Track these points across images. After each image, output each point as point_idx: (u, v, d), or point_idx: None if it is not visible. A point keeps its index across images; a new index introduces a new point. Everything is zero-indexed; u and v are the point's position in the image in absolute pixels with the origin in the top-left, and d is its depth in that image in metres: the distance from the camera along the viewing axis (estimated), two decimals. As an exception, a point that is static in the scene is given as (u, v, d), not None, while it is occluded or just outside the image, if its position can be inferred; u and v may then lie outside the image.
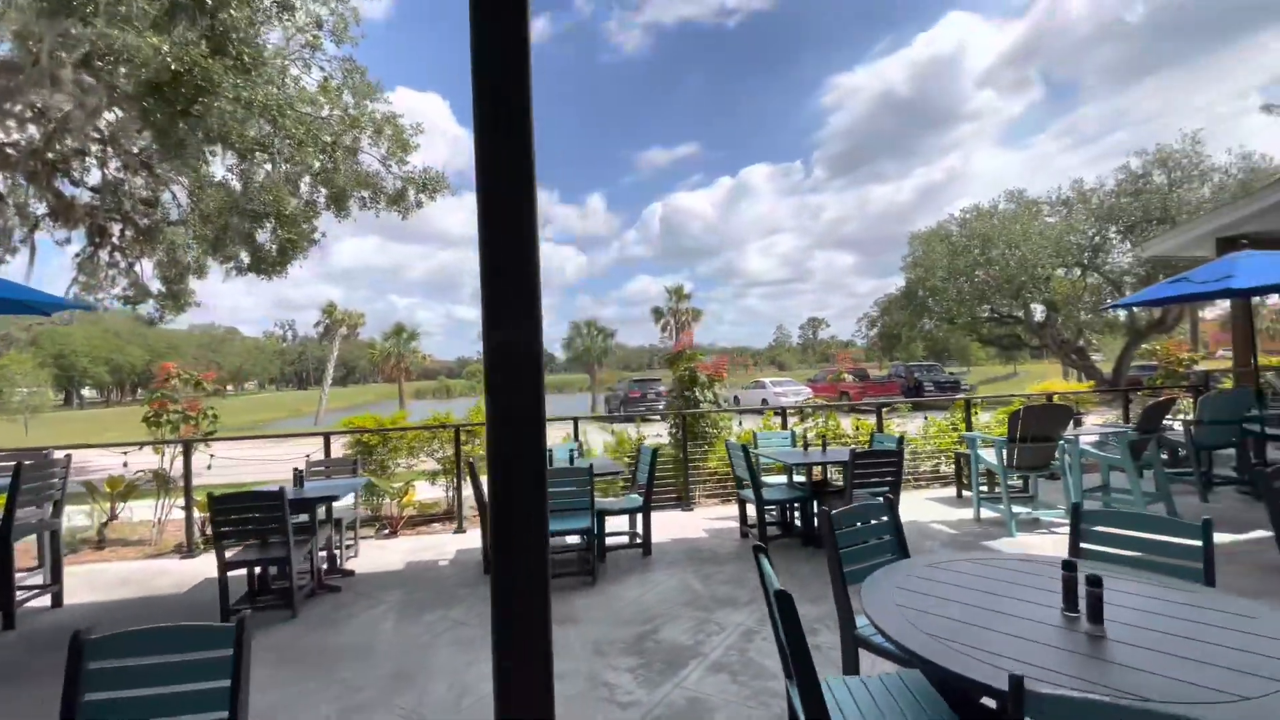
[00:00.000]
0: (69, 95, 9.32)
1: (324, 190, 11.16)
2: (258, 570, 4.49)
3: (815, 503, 5.18)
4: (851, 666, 2.45)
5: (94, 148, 11.66)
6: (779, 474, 6.57)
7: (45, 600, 4.62)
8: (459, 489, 6.42)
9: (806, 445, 5.66)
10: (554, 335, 47.85)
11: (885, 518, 2.76)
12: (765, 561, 2.05)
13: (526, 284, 1.53)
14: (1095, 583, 1.73)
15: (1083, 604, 1.77)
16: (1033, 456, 5.43)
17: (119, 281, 13.96)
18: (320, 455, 6.13)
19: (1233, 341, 7.77)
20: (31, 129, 10.03)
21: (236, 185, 10.92)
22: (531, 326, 1.55)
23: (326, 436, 6.24)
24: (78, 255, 13.13)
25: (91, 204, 12.42)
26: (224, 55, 8.00)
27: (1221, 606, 1.85)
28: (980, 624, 1.81)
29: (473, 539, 5.94)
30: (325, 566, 4.92)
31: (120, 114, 10.47)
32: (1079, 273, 20.43)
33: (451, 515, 6.51)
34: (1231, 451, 6.46)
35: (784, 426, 7.29)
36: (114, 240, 13.44)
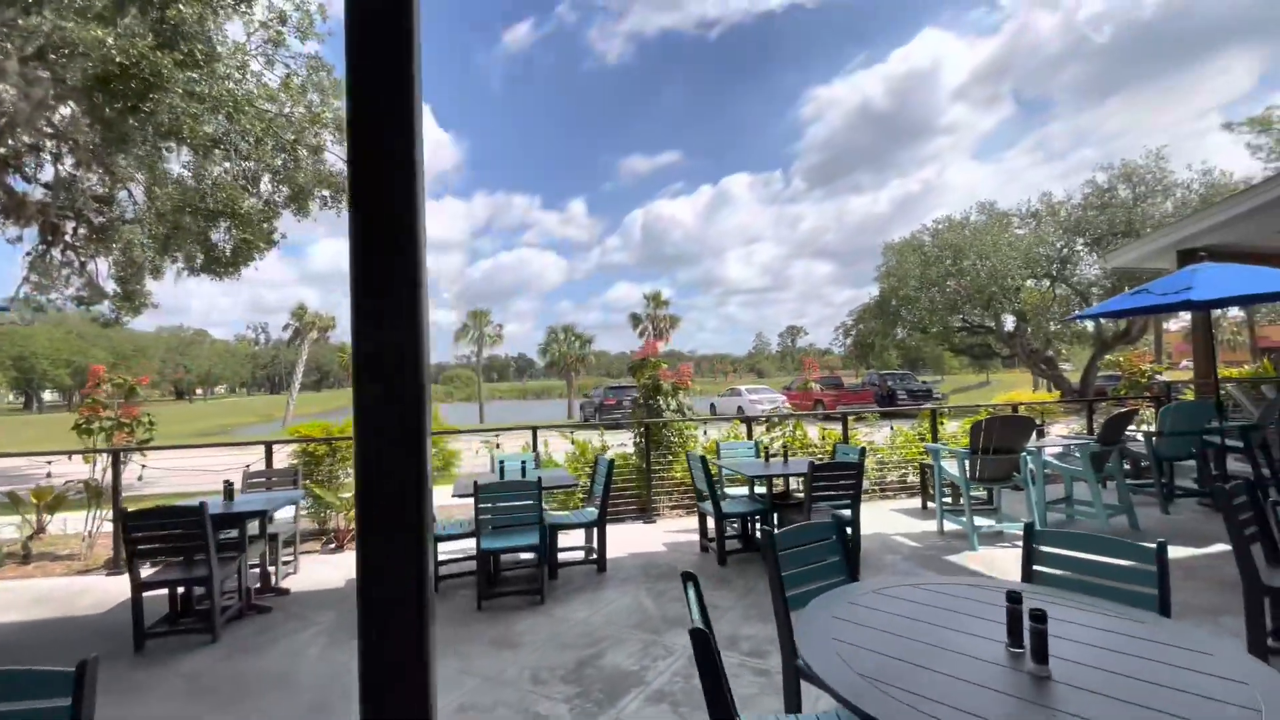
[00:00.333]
0: (13, 87, 8.90)
1: (285, 189, 10.82)
2: (181, 590, 4.20)
3: (775, 516, 5.03)
4: (793, 703, 2.28)
5: (48, 143, 11.19)
6: (744, 485, 6.42)
7: (-53, 623, 4.27)
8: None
9: (769, 456, 5.51)
10: (534, 341, 47.47)
11: (833, 537, 2.61)
12: (691, 591, 1.88)
13: (406, 272, 1.33)
14: (1040, 618, 1.58)
15: (1028, 639, 1.63)
16: (995, 468, 5.35)
17: (73, 281, 13.43)
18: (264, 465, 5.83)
19: (1193, 353, 7.83)
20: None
21: (192, 183, 10.54)
22: (413, 326, 1.35)
23: (268, 446, 5.93)
24: (29, 254, 12.59)
25: (44, 201, 11.91)
26: (173, 49, 7.67)
27: (1176, 641, 1.72)
28: (919, 662, 1.65)
29: (423, 553, 5.66)
30: (258, 585, 4.64)
31: (71, 109, 10.05)
32: (1048, 284, 20.74)
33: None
34: (1193, 463, 6.46)
35: (749, 436, 7.14)
36: (67, 239, 12.91)
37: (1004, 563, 4.76)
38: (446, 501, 5.82)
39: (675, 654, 3.40)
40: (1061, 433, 8.78)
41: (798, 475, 5.00)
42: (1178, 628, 1.82)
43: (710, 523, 5.12)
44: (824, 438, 7.73)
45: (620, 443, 7.38)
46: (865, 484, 7.24)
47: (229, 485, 4.42)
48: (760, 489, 5.42)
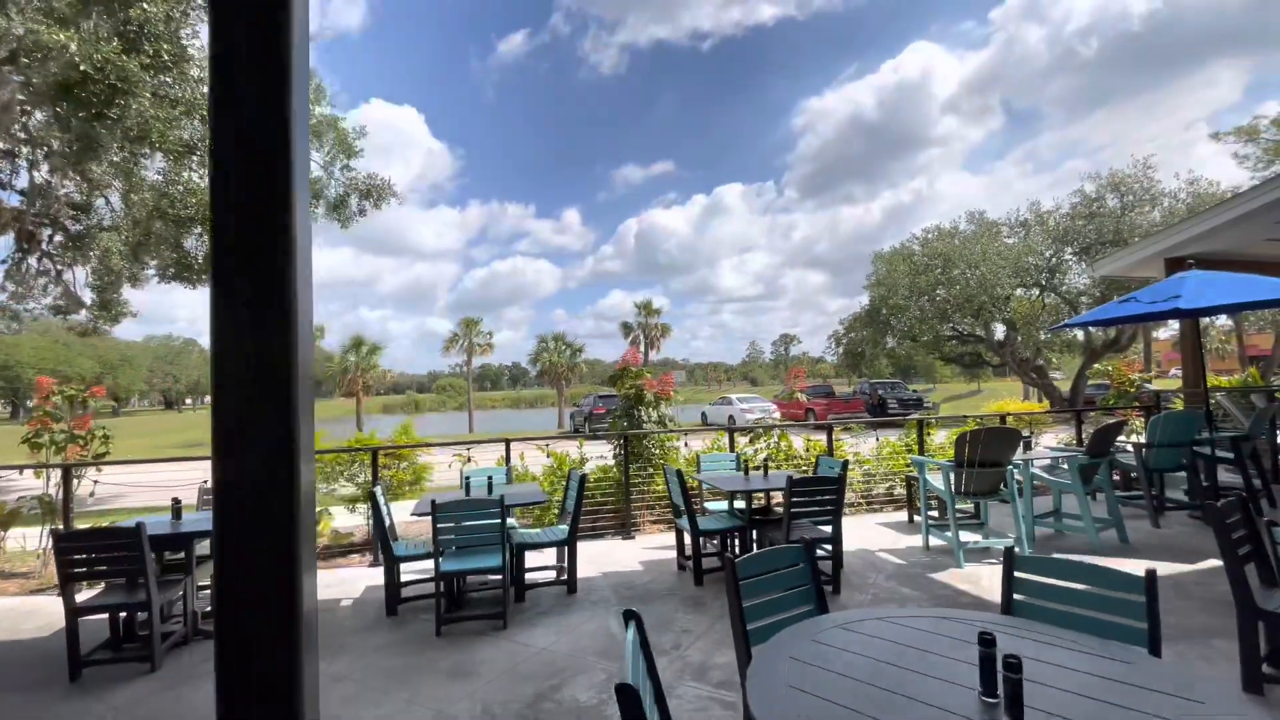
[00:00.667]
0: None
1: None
2: (123, 614, 3.96)
3: (755, 533, 4.85)
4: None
5: (23, 149, 10.95)
6: (726, 499, 6.23)
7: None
8: (377, 517, 5.92)
9: (749, 469, 5.32)
10: (528, 349, 47.19)
11: (801, 564, 2.43)
12: (632, 632, 1.69)
13: (277, 269, 1.15)
14: (1015, 668, 1.40)
15: (1001, 689, 1.45)
16: (981, 482, 5.18)
17: (50, 290, 13.16)
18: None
19: (1182, 362, 7.73)
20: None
21: (165, 189, 10.32)
22: (284, 328, 1.17)
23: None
24: (4, 262, 12.32)
25: (19, 209, 11.65)
26: (139, 51, 7.47)
27: (1164, 686, 1.54)
28: (880, 714, 1.47)
29: (390, 572, 5.44)
30: (209, 608, 4.40)
31: (42, 115, 9.82)
32: (1037, 293, 20.71)
33: (370, 545, 6.00)
34: (1183, 474, 6.32)
35: (731, 448, 6.96)
36: (44, 247, 12.64)
37: (989, 580, 4.58)
38: (407, 519, 5.60)
39: (641, 684, 3.19)
40: (1050, 443, 8.64)
41: (777, 490, 4.81)
42: (1167, 670, 1.65)
43: (688, 539, 4.92)
44: (809, 449, 7.56)
45: (600, 455, 7.18)
46: (851, 497, 7.06)
47: (177, 503, 4.19)
48: (740, 504, 5.24)
